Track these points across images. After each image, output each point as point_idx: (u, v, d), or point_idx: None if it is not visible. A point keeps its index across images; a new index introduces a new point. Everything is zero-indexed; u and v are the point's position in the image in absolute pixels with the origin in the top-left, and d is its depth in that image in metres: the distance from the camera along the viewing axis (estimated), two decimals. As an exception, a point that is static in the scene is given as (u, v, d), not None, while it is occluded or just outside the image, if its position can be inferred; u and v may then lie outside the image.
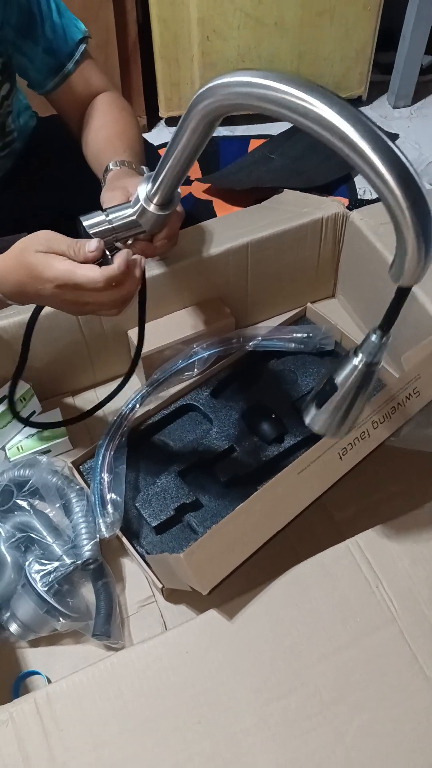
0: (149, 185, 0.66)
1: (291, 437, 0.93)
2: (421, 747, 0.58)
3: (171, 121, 1.93)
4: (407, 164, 0.42)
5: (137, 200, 0.67)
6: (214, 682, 0.60)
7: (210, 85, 0.50)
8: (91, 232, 0.68)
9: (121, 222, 0.68)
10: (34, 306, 0.76)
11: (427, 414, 0.79)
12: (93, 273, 0.64)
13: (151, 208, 0.66)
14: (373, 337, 0.52)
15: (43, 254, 0.66)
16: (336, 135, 0.43)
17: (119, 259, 0.66)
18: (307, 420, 0.58)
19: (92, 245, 0.65)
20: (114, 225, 0.68)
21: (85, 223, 0.68)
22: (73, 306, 0.68)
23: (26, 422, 0.93)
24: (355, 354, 0.53)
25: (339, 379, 0.55)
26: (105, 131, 0.91)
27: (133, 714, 0.59)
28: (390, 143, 0.43)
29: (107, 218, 0.68)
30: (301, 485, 0.67)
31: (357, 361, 0.53)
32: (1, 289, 0.71)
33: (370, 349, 0.52)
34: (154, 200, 0.66)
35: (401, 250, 0.45)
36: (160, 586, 0.80)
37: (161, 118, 1.93)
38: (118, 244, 0.70)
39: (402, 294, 0.49)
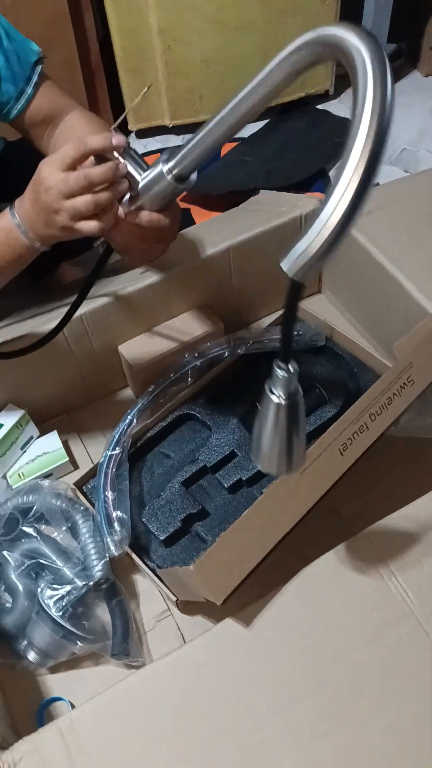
0: (172, 162, 0.63)
1: (291, 437, 0.93)
2: (449, 736, 0.58)
3: (141, 134, 1.93)
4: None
5: (156, 165, 0.65)
6: (235, 691, 0.60)
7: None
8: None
9: (132, 167, 0.67)
10: None
11: (425, 401, 0.79)
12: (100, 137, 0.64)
13: (170, 177, 0.64)
14: (279, 373, 0.48)
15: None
16: None
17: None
18: (254, 461, 0.54)
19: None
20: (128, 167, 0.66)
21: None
22: (76, 188, 0.65)
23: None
24: (271, 392, 0.49)
25: (266, 418, 0.50)
26: (76, 133, 0.91)
27: (156, 731, 0.58)
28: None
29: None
30: (304, 485, 0.67)
31: (276, 399, 0.49)
32: (22, 212, 0.71)
33: (283, 384, 0.48)
34: (173, 165, 0.64)
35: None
36: (174, 599, 0.80)
37: (131, 132, 1.93)
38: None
39: (295, 287, 0.47)
